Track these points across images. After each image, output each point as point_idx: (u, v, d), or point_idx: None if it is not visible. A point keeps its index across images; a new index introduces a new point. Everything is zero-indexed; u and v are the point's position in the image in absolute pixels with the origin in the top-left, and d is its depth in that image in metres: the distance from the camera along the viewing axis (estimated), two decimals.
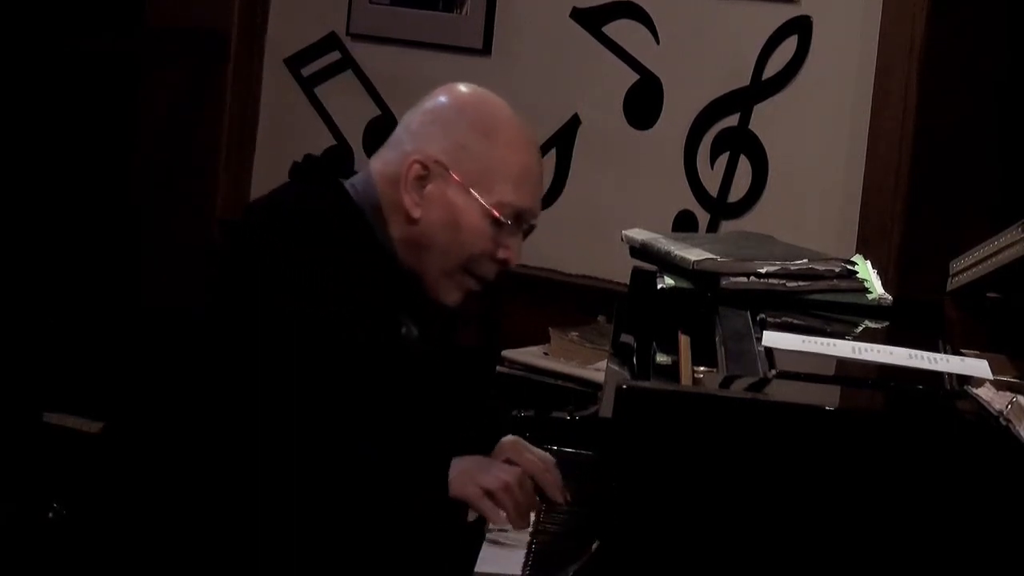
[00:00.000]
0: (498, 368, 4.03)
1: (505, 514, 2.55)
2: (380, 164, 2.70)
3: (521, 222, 2.68)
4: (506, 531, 2.54)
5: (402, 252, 2.65)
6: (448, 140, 2.63)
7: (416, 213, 2.62)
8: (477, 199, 2.62)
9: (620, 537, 2.17)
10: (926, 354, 2.38)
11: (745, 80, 4.23)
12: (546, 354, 4.06)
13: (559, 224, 4.48)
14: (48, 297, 4.82)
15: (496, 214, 2.63)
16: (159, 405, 2.57)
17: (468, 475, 2.57)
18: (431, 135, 2.64)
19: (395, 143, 2.70)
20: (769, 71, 4.20)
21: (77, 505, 2.66)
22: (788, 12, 4.17)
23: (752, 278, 2.73)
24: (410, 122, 2.69)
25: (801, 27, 4.16)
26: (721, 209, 4.28)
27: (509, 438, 2.73)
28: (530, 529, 2.56)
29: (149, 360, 2.58)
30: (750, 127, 4.23)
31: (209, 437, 2.50)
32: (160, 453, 2.54)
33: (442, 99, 2.69)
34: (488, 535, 2.54)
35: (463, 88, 2.73)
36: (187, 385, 2.53)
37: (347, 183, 2.69)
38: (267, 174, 4.73)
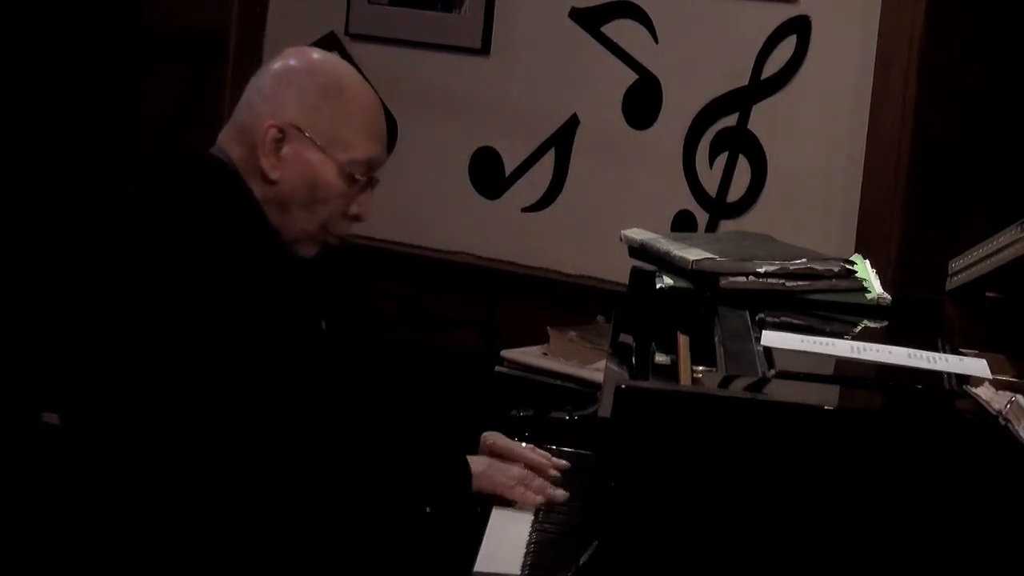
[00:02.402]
0: (498, 368, 4.03)
1: (533, 497, 2.71)
2: (234, 131, 2.77)
3: (371, 174, 2.77)
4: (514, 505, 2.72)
5: (266, 210, 2.74)
6: (301, 103, 2.73)
7: (274, 175, 2.72)
8: (331, 158, 2.72)
9: (619, 537, 2.17)
10: (925, 354, 2.38)
11: (744, 80, 4.23)
12: (545, 354, 4.06)
13: (559, 224, 4.48)
14: (47, 298, 4.81)
15: (349, 171, 2.73)
16: (141, 405, 2.60)
17: (495, 469, 2.72)
18: (285, 100, 2.73)
19: (247, 108, 2.76)
20: (768, 71, 4.20)
21: (72, 504, 2.68)
22: (787, 12, 4.17)
23: (751, 278, 2.73)
24: (262, 87, 2.76)
25: (800, 27, 4.16)
26: (720, 209, 4.28)
27: (489, 433, 2.86)
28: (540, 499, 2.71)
29: (137, 361, 2.61)
30: (749, 127, 4.23)
31: (188, 437, 2.55)
32: (147, 452, 2.59)
33: (292, 63, 2.77)
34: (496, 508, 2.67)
35: (312, 53, 2.83)
36: (165, 385, 2.58)
37: (210, 155, 2.77)
38: None
